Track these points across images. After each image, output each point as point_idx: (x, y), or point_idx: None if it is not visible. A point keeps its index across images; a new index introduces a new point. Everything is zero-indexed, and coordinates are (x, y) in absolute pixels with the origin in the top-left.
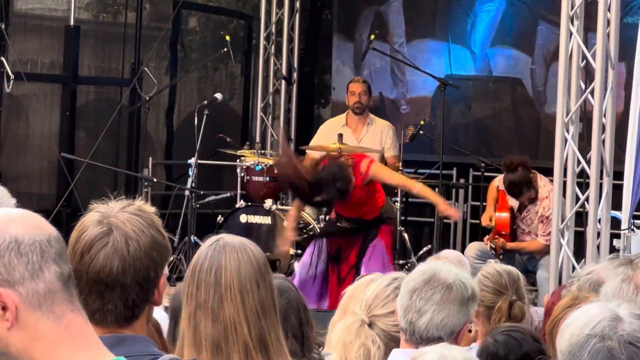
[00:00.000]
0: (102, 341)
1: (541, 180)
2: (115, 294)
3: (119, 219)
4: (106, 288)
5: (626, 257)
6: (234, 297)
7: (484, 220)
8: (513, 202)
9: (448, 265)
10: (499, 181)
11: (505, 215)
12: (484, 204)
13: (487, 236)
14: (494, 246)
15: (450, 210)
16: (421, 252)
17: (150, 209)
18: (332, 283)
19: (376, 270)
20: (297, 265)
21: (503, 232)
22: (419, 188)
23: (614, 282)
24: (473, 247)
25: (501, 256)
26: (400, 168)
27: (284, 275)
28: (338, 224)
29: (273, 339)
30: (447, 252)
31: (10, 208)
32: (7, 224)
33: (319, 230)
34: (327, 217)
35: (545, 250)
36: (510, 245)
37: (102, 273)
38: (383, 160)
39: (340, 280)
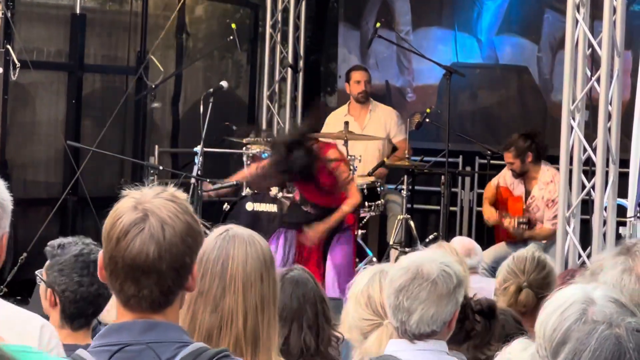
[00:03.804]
0: (135, 326)
1: (544, 165)
2: (151, 280)
3: (154, 204)
4: (142, 274)
5: (624, 244)
6: (237, 289)
7: (490, 217)
8: (519, 192)
9: (431, 254)
10: (498, 179)
11: (519, 204)
12: None
13: (508, 219)
14: (523, 220)
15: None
16: (427, 240)
17: (183, 195)
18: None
19: (340, 261)
20: None
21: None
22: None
23: (613, 273)
24: (490, 255)
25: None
26: (407, 156)
27: (303, 267)
28: (302, 207)
29: (265, 335)
30: (458, 239)
31: None
32: None
33: (283, 218)
34: (290, 203)
35: (553, 234)
36: (526, 234)
37: (139, 259)
38: (391, 146)
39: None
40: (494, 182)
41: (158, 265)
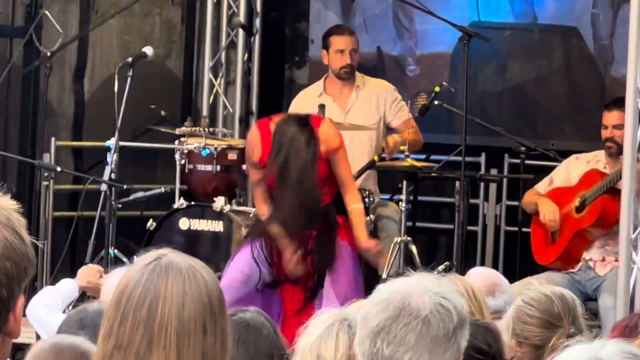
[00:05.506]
0: None
1: None
2: None
3: None
4: None
5: None
6: (168, 342)
7: (553, 214)
8: None
9: (421, 281)
10: (578, 161)
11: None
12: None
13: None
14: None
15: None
16: (435, 272)
17: (8, 202)
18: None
19: (345, 289)
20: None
21: None
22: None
23: None
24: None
25: None
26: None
27: (258, 309)
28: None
29: None
30: (477, 272)
31: None
32: None
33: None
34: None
35: None
36: None
37: None
38: (390, 134)
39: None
40: (565, 164)
41: None
